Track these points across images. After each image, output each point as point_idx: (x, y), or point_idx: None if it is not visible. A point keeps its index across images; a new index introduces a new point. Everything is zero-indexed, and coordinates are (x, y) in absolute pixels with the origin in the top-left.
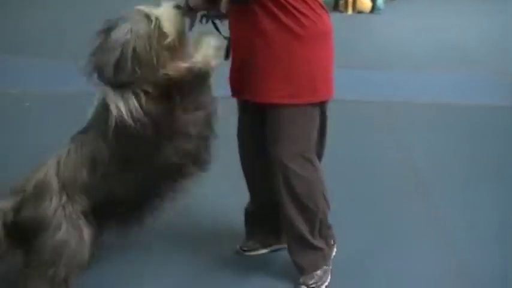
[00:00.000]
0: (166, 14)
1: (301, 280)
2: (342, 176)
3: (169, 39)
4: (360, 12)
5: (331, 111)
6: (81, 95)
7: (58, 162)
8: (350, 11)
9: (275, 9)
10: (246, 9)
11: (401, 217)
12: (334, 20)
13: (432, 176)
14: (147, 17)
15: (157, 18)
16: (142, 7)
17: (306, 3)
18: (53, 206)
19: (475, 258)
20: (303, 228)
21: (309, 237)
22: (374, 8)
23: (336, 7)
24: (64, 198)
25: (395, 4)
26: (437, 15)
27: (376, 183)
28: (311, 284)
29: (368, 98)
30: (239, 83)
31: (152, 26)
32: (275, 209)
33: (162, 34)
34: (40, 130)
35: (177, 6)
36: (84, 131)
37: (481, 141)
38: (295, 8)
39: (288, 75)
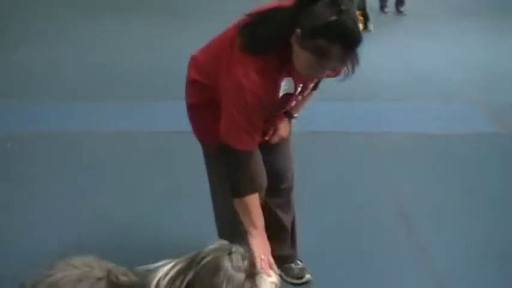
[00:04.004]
0: None
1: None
2: (322, 206)
3: None
4: None
5: (311, 143)
6: (67, 135)
7: None
8: None
9: None
10: None
11: (384, 247)
12: None
13: (414, 204)
14: None
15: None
16: None
17: None
18: None
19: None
20: None
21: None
22: None
23: None
24: None
25: (370, 37)
26: (411, 46)
27: (357, 213)
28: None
29: (347, 129)
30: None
31: None
32: None
33: None
34: (24, 172)
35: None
36: None
37: (459, 169)
38: None
39: None
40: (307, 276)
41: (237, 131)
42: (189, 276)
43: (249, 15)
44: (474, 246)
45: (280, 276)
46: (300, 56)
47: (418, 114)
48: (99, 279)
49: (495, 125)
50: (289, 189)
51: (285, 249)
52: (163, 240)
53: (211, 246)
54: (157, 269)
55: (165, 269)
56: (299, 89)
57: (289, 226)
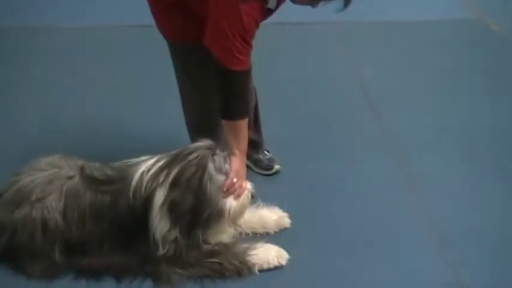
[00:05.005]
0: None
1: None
2: (290, 96)
3: None
4: None
5: (278, 33)
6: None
7: None
8: None
9: None
10: None
11: (350, 132)
12: None
13: (380, 89)
14: None
15: None
16: None
17: None
18: None
19: (423, 171)
20: None
21: None
22: None
23: None
24: None
25: None
26: None
27: (324, 100)
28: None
29: (314, 18)
30: None
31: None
32: None
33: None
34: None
35: None
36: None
37: (427, 55)
38: None
39: None
40: (276, 166)
41: (232, 52)
42: (174, 171)
43: None
44: (438, 126)
45: (250, 167)
46: None
47: (386, 2)
48: (70, 177)
49: (464, 11)
50: None
51: (249, 132)
52: (127, 137)
53: (196, 144)
54: (138, 163)
55: (148, 164)
56: (279, 6)
57: (251, 111)
